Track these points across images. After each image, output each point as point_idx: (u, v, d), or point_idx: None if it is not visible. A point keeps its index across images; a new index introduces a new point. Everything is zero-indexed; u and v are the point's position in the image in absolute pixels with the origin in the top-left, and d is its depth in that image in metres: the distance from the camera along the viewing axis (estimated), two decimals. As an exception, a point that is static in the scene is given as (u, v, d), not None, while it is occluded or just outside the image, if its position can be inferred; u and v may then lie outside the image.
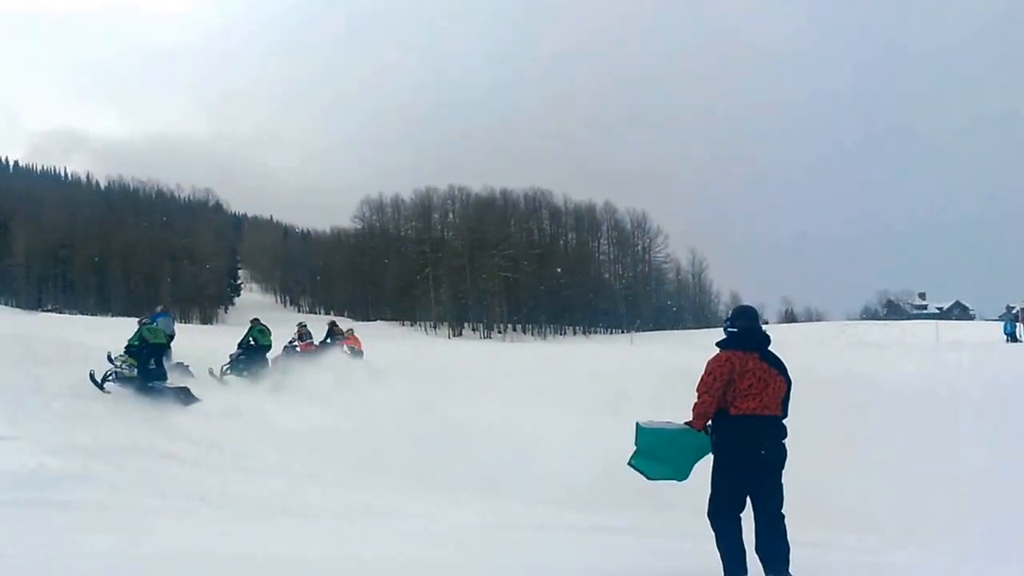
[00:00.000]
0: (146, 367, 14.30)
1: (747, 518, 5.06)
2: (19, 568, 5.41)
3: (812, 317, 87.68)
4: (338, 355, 19.36)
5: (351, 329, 22.55)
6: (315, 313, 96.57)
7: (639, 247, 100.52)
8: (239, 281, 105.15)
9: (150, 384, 14.14)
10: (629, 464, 5.40)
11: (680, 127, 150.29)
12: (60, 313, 55.05)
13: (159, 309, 18.73)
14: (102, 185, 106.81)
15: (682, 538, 6.61)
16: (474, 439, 11.15)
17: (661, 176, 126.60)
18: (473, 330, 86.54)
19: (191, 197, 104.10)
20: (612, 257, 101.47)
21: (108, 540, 6.26)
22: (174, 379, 14.98)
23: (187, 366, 16.19)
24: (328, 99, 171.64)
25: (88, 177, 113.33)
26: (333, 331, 21.48)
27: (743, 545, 4.99)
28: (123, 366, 14.21)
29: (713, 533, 5.06)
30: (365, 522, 7.91)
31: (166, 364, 15.20)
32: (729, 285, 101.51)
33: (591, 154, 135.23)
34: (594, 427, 10.71)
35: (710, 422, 5.17)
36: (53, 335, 19.43)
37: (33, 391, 12.36)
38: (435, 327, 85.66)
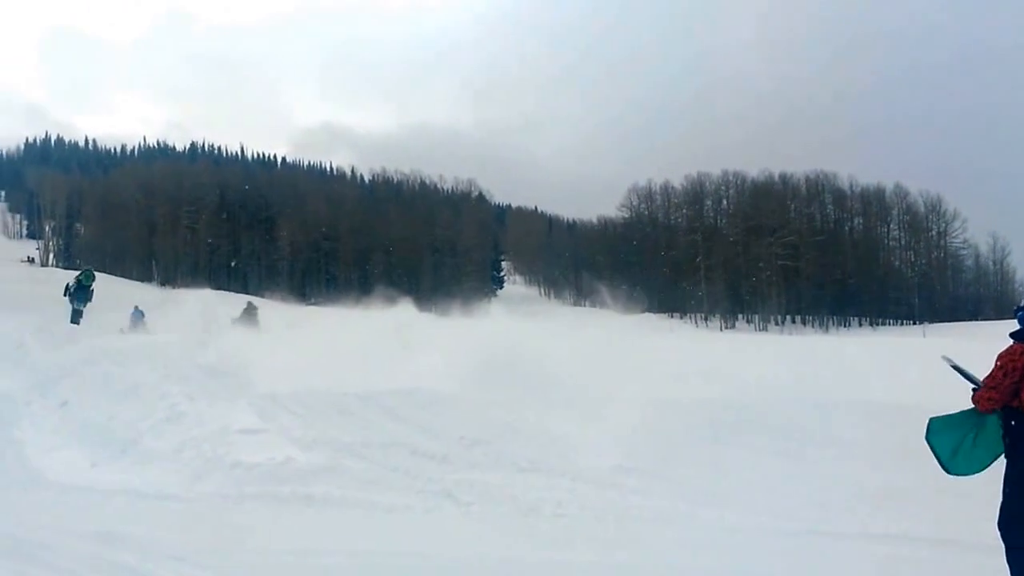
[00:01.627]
0: None
1: None
2: (258, 562, 5.44)
3: None
4: None
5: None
6: (580, 306, 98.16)
7: (933, 232, 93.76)
8: (502, 273, 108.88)
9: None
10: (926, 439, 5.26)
11: (986, 104, 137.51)
12: (322, 306, 59.06)
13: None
14: (366, 179, 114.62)
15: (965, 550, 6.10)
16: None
17: (959, 156, 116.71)
18: (748, 322, 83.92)
19: (454, 188, 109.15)
20: (903, 243, 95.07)
21: (348, 536, 6.25)
22: None
23: None
24: (592, 85, 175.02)
25: (352, 171, 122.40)
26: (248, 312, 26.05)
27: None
28: None
29: (1004, 546, 4.91)
30: (634, 526, 7.43)
31: None
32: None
33: (878, 134, 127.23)
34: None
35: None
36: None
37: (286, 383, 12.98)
38: (706, 319, 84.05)
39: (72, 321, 23.90)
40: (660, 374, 18.18)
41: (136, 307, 28.48)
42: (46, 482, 9.83)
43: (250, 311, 27.92)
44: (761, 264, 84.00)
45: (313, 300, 69.09)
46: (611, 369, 18.49)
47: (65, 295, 25.04)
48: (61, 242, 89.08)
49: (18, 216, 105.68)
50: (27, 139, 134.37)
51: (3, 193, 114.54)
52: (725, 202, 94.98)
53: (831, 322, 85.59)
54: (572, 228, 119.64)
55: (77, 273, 27.72)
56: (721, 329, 78.28)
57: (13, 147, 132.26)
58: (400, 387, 14.32)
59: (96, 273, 27.60)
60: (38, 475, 10.43)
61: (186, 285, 73.20)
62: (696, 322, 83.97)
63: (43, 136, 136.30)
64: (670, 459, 10.22)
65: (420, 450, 10.09)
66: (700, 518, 7.56)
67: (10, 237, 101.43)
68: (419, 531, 6.77)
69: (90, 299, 25.06)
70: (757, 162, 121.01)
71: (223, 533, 6.43)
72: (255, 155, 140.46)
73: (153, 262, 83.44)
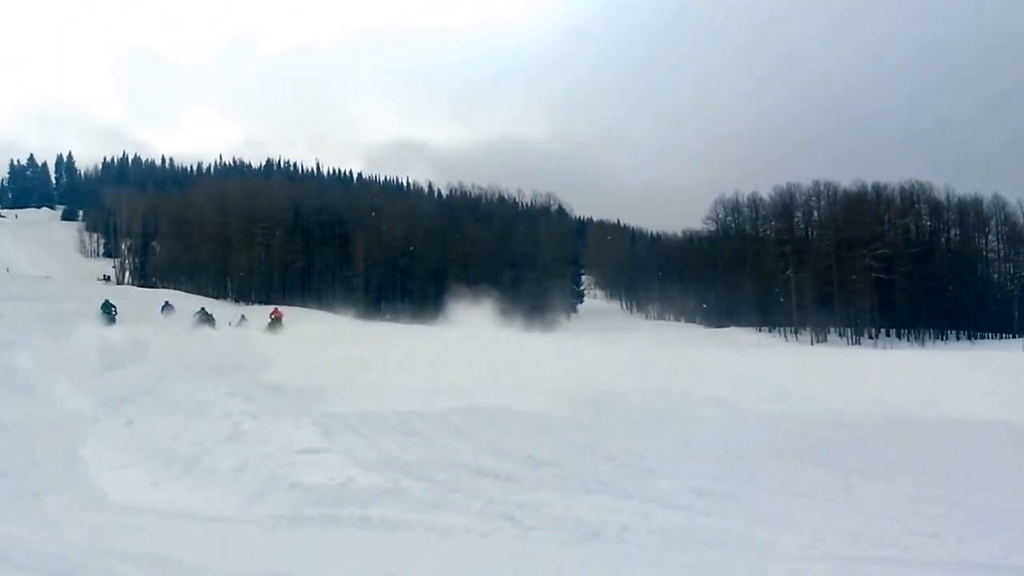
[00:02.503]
0: None
1: None
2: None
3: None
4: None
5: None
6: (663, 320, 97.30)
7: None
8: (582, 287, 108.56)
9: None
10: None
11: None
12: (397, 322, 59.59)
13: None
14: (443, 193, 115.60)
15: None
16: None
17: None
18: (840, 336, 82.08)
19: (532, 202, 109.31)
20: (1001, 255, 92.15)
21: (399, 560, 6.19)
22: None
23: None
24: (675, 95, 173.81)
25: (430, 186, 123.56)
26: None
27: None
28: None
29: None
30: (702, 551, 7.19)
31: None
32: None
33: (976, 142, 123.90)
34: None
35: None
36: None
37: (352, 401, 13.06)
38: (796, 333, 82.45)
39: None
40: (747, 391, 17.89)
41: (167, 301, 41.11)
42: (105, 502, 10.02)
43: (274, 322, 38.35)
44: (854, 276, 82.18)
45: (388, 316, 69.78)
46: (694, 386, 18.25)
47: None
48: (137, 260, 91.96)
49: (95, 235, 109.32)
50: (105, 159, 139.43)
51: (81, 212, 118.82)
52: (816, 213, 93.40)
53: (928, 335, 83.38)
54: (656, 241, 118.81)
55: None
56: (812, 343, 76.71)
57: (92, 167, 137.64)
58: (468, 404, 14.31)
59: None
60: (99, 494, 10.66)
61: (260, 301, 74.74)
62: (785, 336, 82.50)
63: (120, 156, 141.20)
64: (749, 481, 9.95)
65: (484, 470, 10.02)
66: (776, 544, 7.28)
67: (87, 256, 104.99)
68: (473, 555, 6.68)
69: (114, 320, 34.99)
70: (849, 172, 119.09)
71: (271, 558, 6.42)
72: (331, 171, 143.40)
73: (228, 279, 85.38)
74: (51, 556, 6.19)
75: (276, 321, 38.68)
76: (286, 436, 11.26)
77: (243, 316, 43.68)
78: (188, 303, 50.59)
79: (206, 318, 37.38)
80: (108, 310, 36.35)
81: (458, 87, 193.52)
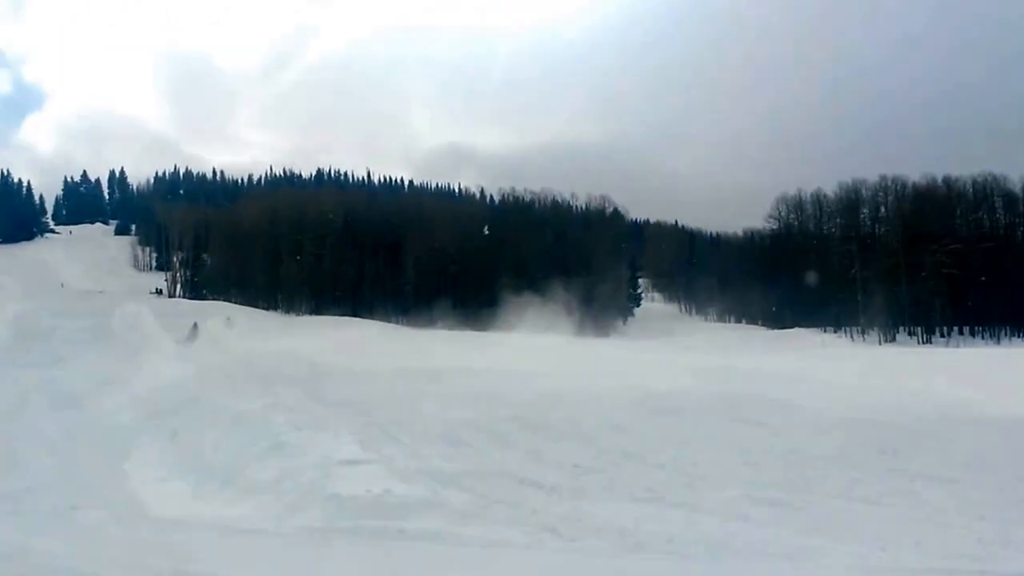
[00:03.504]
0: None
1: None
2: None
3: None
4: None
5: None
6: (724, 322, 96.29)
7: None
8: (639, 290, 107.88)
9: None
10: None
11: None
12: (450, 330, 59.52)
13: None
14: (495, 198, 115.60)
15: None
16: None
17: None
18: (909, 335, 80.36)
19: (587, 206, 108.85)
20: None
21: (433, 573, 6.04)
22: None
23: None
24: (732, 93, 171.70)
25: (481, 192, 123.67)
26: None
27: None
28: None
29: None
30: (753, 563, 6.95)
31: None
32: None
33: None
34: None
35: None
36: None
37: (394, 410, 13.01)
38: (863, 333, 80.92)
39: None
40: (809, 393, 17.48)
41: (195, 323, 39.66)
42: (143, 515, 10.06)
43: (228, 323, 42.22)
44: (924, 273, 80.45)
45: (440, 324, 69.75)
46: (753, 389, 17.89)
47: None
48: (188, 273, 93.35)
49: (148, 249, 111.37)
50: (156, 173, 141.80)
51: (134, 227, 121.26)
52: (883, 209, 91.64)
53: (1003, 332, 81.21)
54: (716, 241, 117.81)
55: None
56: (880, 343, 75.24)
57: (144, 181, 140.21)
58: (513, 414, 14.18)
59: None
60: (138, 507, 10.73)
61: (310, 312, 75.36)
62: (852, 336, 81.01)
63: (172, 169, 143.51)
64: (807, 487, 9.67)
65: (528, 479, 9.87)
66: (834, 555, 7.00)
67: (140, 270, 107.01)
68: (511, 568, 6.50)
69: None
70: (918, 166, 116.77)
71: (299, 572, 6.32)
72: (382, 179, 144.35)
73: (278, 289, 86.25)
74: (79, 572, 6.17)
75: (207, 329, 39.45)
76: (326, 447, 11.22)
77: (195, 325, 39.76)
78: (237, 315, 51.34)
79: (195, 332, 37.85)
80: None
81: (508, 90, 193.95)
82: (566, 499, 9.10)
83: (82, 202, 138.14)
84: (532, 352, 29.71)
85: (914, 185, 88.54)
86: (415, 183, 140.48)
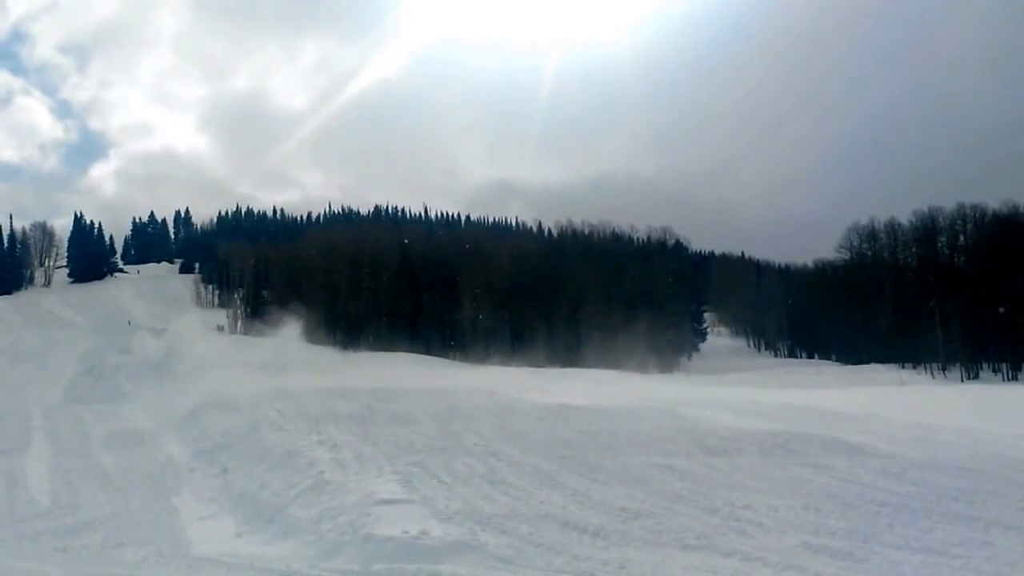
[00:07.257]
0: None
1: None
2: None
3: None
4: None
5: None
6: (795, 357, 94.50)
7: None
8: (704, 325, 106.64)
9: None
10: None
11: None
12: (506, 366, 59.09)
13: None
14: (553, 232, 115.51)
15: None
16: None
17: None
18: (994, 371, 77.88)
19: (647, 238, 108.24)
20: None
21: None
22: None
23: None
24: (797, 119, 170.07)
25: (539, 225, 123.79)
26: None
27: None
28: None
29: None
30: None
31: None
32: None
33: None
34: None
35: None
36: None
37: (439, 449, 12.85)
38: (944, 370, 78.56)
39: None
40: (878, 434, 16.91)
41: None
42: (185, 554, 10.06)
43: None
44: (1008, 305, 78.10)
45: (497, 360, 69.62)
46: (817, 429, 17.37)
47: None
48: (248, 309, 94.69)
49: (211, 286, 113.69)
50: (220, 213, 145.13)
51: (197, 265, 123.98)
52: (962, 237, 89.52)
53: (1098, 368, 78.42)
54: (784, 273, 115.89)
55: None
56: (962, 380, 72.77)
57: (207, 221, 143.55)
58: (560, 451, 13.92)
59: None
60: (182, 544, 10.80)
61: (368, 348, 75.72)
62: (932, 373, 78.62)
63: (234, 209, 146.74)
64: (870, 535, 9.28)
65: (572, 523, 9.62)
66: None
67: (203, 307, 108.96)
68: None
69: None
70: (997, 193, 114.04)
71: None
72: (439, 215, 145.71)
73: (336, 326, 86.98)
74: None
75: None
76: (367, 486, 11.10)
77: None
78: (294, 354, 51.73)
79: None
80: None
81: (559, 123, 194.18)
82: (611, 544, 8.84)
83: (149, 242, 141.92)
84: (590, 387, 29.39)
85: (994, 212, 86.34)
86: (472, 218, 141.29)
